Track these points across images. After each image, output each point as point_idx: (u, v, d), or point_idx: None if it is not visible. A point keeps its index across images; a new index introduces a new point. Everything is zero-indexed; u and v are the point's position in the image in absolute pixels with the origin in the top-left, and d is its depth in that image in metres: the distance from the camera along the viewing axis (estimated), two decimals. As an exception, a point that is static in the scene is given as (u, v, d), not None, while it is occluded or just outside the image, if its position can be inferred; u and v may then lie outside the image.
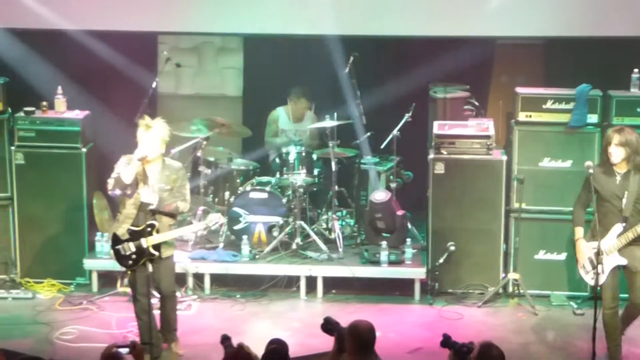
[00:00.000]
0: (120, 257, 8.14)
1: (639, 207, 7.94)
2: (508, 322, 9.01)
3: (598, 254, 7.83)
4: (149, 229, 8.01)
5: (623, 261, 7.95)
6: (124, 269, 8.34)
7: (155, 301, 8.40)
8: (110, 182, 8.06)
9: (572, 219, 8.24)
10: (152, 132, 8.02)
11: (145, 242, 8.00)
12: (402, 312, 9.35)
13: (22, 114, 9.86)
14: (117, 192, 8.05)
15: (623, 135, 7.91)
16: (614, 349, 8.08)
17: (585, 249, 8.06)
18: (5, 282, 9.82)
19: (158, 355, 8.15)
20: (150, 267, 8.03)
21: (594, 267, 7.88)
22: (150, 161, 8.03)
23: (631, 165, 7.95)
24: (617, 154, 7.92)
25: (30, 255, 9.91)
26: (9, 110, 9.93)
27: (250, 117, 11.19)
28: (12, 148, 9.83)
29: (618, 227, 7.91)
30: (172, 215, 8.20)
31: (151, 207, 8.00)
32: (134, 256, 8.06)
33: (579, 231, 8.14)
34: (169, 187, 8.10)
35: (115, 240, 8.13)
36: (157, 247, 8.05)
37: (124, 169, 8.00)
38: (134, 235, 8.05)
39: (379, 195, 9.91)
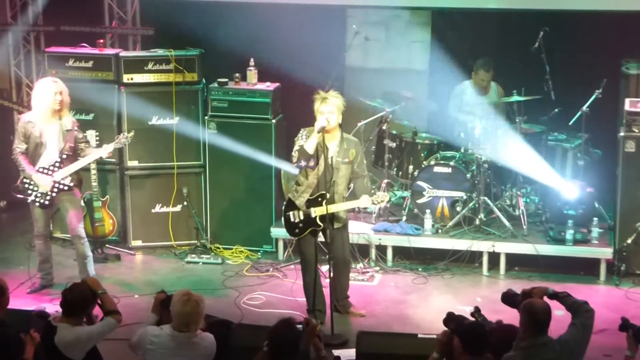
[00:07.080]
0: (288, 225, 8.47)
1: None
2: (701, 307, 8.74)
3: None
4: (319, 199, 8.29)
5: None
6: (291, 237, 8.70)
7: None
8: (295, 154, 8.37)
9: None
10: (328, 103, 8.30)
11: (314, 212, 8.29)
12: (587, 293, 9.15)
13: (215, 85, 10.20)
14: (302, 163, 8.34)
15: None
16: None
17: None
18: (197, 247, 10.21)
19: (322, 320, 8.33)
20: (320, 237, 8.45)
21: None
22: (330, 131, 8.28)
23: None
24: None
25: (220, 222, 10.26)
26: (204, 81, 10.29)
27: (436, 90, 11.17)
28: (206, 118, 10.18)
29: None
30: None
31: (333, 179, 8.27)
32: (301, 225, 8.39)
33: None
34: (347, 160, 8.37)
35: (289, 206, 8.45)
36: (325, 218, 8.26)
37: (306, 141, 8.26)
38: (307, 204, 8.36)
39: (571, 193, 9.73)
